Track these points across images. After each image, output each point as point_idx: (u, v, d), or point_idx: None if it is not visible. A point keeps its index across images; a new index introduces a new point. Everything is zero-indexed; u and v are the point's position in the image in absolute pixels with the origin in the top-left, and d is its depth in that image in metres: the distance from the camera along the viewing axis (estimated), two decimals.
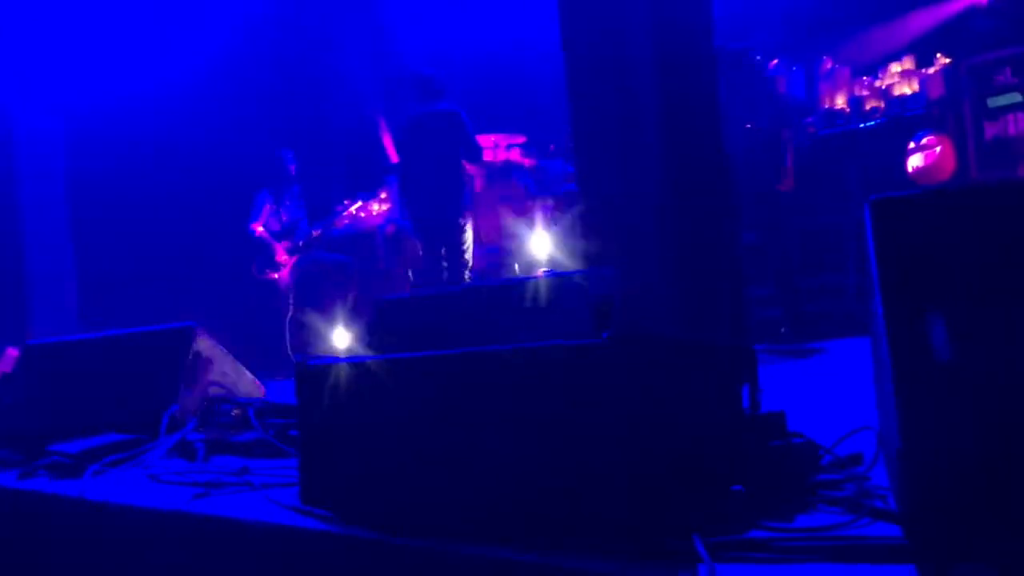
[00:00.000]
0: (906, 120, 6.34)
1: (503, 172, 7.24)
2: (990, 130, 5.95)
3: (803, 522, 1.35)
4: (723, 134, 3.40)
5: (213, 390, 2.90)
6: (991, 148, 5.95)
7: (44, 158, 7.71)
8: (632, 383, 1.34)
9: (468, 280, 6.37)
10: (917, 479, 1.15)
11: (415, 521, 1.49)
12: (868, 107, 6.69)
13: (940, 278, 1.21)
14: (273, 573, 1.66)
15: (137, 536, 1.93)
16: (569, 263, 5.19)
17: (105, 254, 7.81)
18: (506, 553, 1.32)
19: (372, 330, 2.70)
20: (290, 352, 6.80)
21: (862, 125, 6.57)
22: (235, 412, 2.68)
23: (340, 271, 7.49)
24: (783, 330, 5.38)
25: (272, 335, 6.90)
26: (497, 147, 7.44)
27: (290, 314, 6.99)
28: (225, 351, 3.09)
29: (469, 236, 6.42)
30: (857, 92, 6.93)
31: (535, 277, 2.57)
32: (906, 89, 6.65)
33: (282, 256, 7.02)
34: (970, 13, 6.92)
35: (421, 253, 6.60)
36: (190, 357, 2.91)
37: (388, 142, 8.50)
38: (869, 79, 6.99)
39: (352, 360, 1.71)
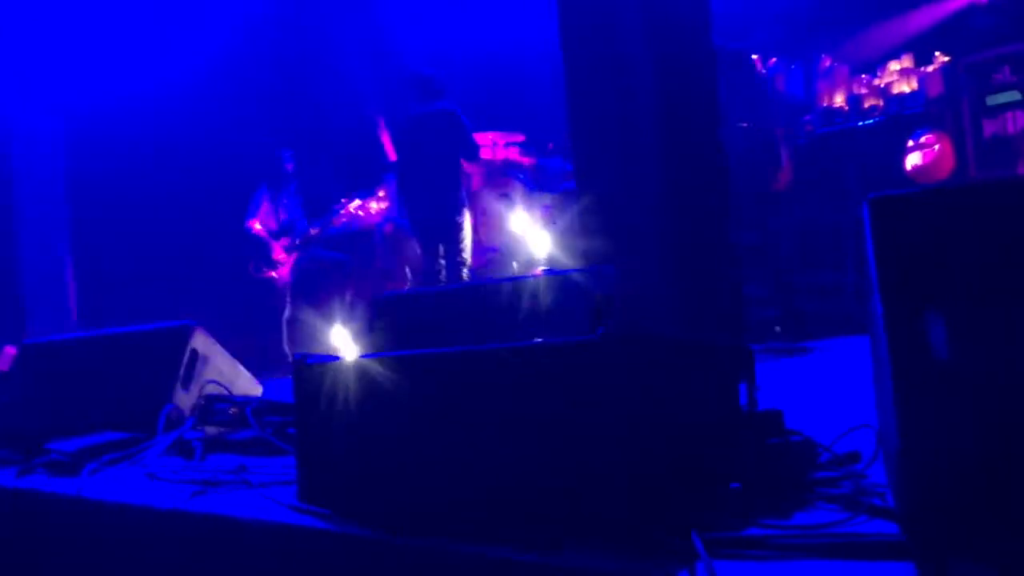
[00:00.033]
0: (905, 118, 6.35)
1: (502, 170, 7.24)
2: (989, 128, 5.95)
3: (801, 519, 1.35)
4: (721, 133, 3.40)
5: (210, 388, 2.89)
6: (990, 146, 5.95)
7: (41, 157, 7.71)
8: (630, 381, 1.34)
9: (466, 278, 6.37)
10: (916, 477, 1.15)
11: (413, 519, 1.49)
12: (867, 105, 6.69)
13: (939, 276, 1.21)
14: (271, 571, 1.66)
15: (134, 534, 1.93)
16: (567, 261, 5.19)
17: (103, 252, 7.82)
18: (503, 551, 1.32)
19: (370, 328, 2.70)
20: (288, 350, 6.79)
21: (861, 123, 6.57)
22: (232, 410, 2.68)
23: (338, 269, 7.49)
24: (778, 329, 5.38)
25: (270, 333, 6.90)
26: (496, 145, 7.44)
27: (288, 312, 6.99)
28: (222, 349, 3.08)
29: (468, 235, 6.42)
30: (856, 90, 6.93)
31: (533, 275, 2.57)
32: (905, 87, 6.65)
33: (279, 254, 7.02)
34: (969, 11, 6.92)
35: (419, 252, 6.60)
36: (187, 355, 2.91)
37: (387, 141, 8.50)
38: (868, 77, 6.98)
39: (350, 358, 1.70)
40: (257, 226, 7.03)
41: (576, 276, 2.39)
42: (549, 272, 2.78)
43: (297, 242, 7.06)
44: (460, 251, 6.38)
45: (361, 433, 1.63)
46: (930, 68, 6.58)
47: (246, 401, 2.71)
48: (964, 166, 5.98)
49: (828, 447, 1.68)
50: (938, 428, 1.13)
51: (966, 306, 1.18)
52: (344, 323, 6.78)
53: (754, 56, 6.83)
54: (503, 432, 1.44)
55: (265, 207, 7.08)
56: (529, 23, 7.98)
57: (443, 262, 6.41)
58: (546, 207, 6.79)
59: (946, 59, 6.50)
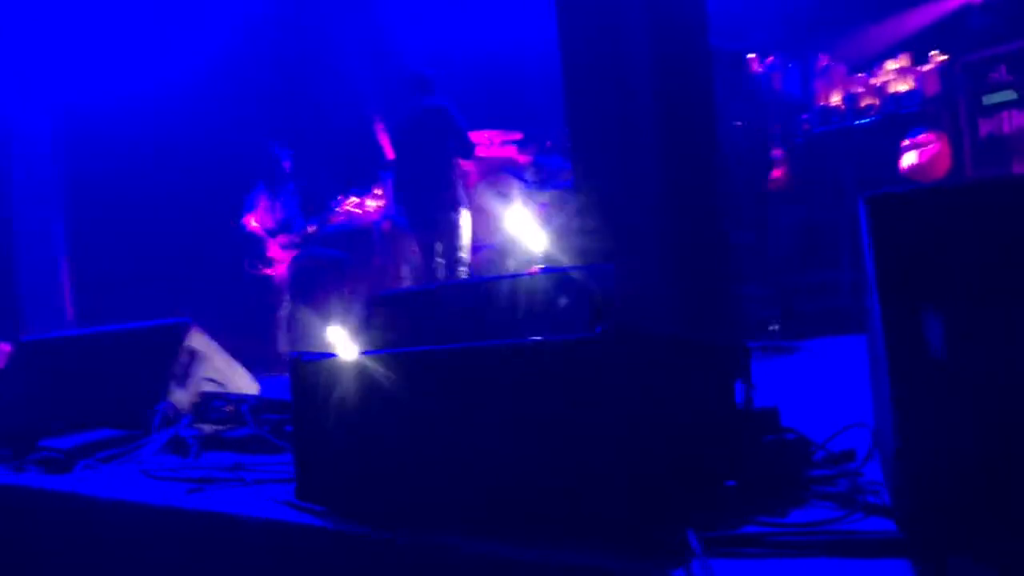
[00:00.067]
0: (901, 117, 6.35)
1: (499, 168, 7.23)
2: (985, 127, 5.96)
3: (796, 517, 1.35)
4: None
5: (207, 386, 2.89)
6: (986, 145, 5.96)
7: (38, 156, 7.70)
8: (626, 379, 1.34)
9: (464, 276, 6.37)
10: (913, 475, 1.15)
11: (409, 516, 1.49)
12: (863, 104, 6.69)
13: (936, 274, 1.21)
14: (267, 568, 1.66)
15: (129, 531, 1.93)
16: (565, 259, 5.18)
17: (99, 250, 7.80)
18: (500, 548, 1.31)
19: (367, 325, 2.70)
20: (284, 348, 6.78)
21: (857, 122, 6.58)
22: (229, 408, 2.68)
23: (335, 267, 7.48)
24: (773, 327, 5.38)
25: (267, 331, 6.89)
26: (493, 143, 7.43)
27: (285, 310, 6.98)
28: (219, 347, 3.08)
29: (465, 232, 6.41)
30: (852, 89, 6.93)
31: (531, 273, 2.57)
32: (901, 86, 6.65)
33: (275, 252, 7.00)
34: (966, 10, 6.92)
35: (417, 249, 6.59)
36: (183, 353, 2.90)
37: (384, 139, 8.50)
38: (864, 76, 6.99)
39: (347, 356, 1.70)
40: (253, 223, 7.01)
41: (574, 274, 2.39)
42: (546, 270, 2.77)
43: (294, 240, 7.05)
44: (457, 249, 6.37)
45: (358, 431, 1.63)
46: (927, 67, 6.58)
47: (242, 399, 2.71)
48: (960, 165, 5.99)
49: (823, 445, 1.68)
50: (935, 425, 1.13)
51: (963, 304, 1.18)
52: (341, 321, 6.77)
53: (751, 55, 6.84)
54: (499, 429, 1.43)
55: (262, 205, 7.06)
56: (526, 22, 7.98)
57: (440, 260, 6.41)
58: (543, 205, 6.79)
59: (943, 58, 6.51)
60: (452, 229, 6.34)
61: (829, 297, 6.15)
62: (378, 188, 7.91)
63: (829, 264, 6.22)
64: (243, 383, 3.14)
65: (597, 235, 3.23)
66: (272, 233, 7.02)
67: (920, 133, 6.03)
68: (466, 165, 6.72)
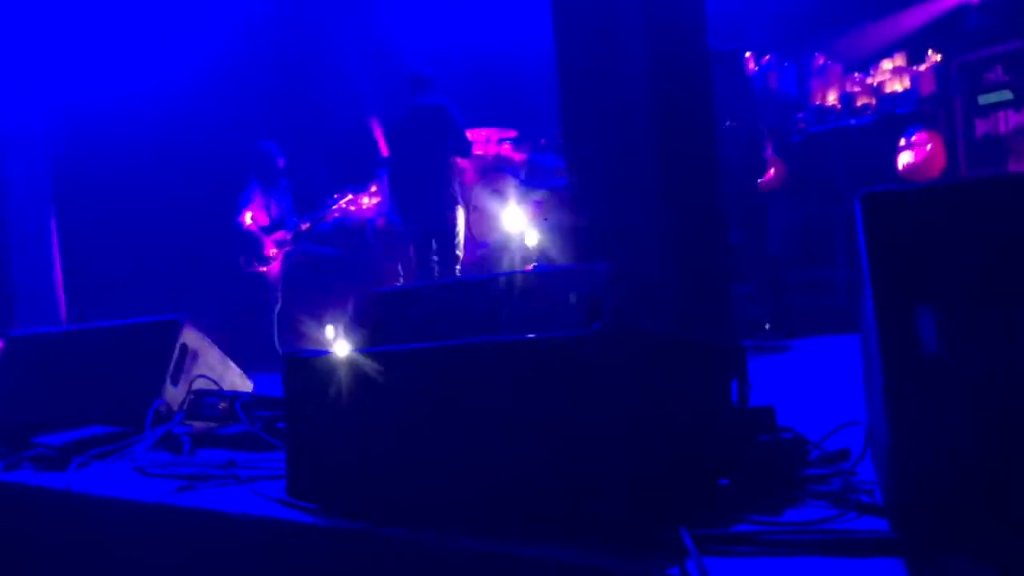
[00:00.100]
0: (897, 117, 6.37)
1: (494, 166, 7.23)
2: (980, 127, 5.97)
3: (791, 516, 1.35)
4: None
5: (200, 383, 2.88)
6: (981, 145, 5.97)
7: (33, 154, 7.67)
8: (621, 377, 1.33)
9: (459, 274, 6.37)
10: (906, 473, 1.15)
11: (402, 514, 1.48)
12: (859, 104, 6.71)
13: (930, 272, 1.21)
14: (259, 565, 1.65)
15: (122, 528, 1.92)
16: (559, 257, 5.19)
17: (94, 249, 7.79)
18: (493, 545, 1.31)
19: (361, 323, 2.69)
20: (278, 345, 6.78)
21: (853, 122, 6.59)
22: (222, 405, 2.67)
23: (330, 264, 7.47)
24: (766, 326, 5.39)
25: (260, 329, 6.88)
26: (489, 141, 7.43)
27: (279, 307, 6.97)
28: (212, 344, 3.07)
29: (460, 230, 6.41)
30: (848, 88, 6.95)
31: (525, 271, 2.57)
32: (897, 86, 6.67)
33: (270, 249, 6.99)
34: (962, 10, 6.94)
35: (412, 247, 6.59)
36: (177, 350, 2.89)
37: (380, 136, 8.49)
38: (860, 76, 7.00)
39: (340, 352, 1.70)
40: (248, 220, 7.00)
41: (567, 272, 2.39)
42: (541, 268, 2.77)
43: (288, 237, 7.04)
44: (452, 246, 6.37)
45: (351, 428, 1.63)
46: (922, 67, 6.60)
47: (236, 396, 2.70)
48: (955, 165, 6.00)
49: (818, 444, 1.68)
50: (928, 423, 1.13)
51: (956, 303, 1.18)
52: (335, 318, 6.77)
53: (747, 54, 6.84)
54: (493, 426, 1.43)
55: (257, 202, 7.05)
56: (520, 20, 7.99)
57: (435, 257, 6.40)
58: (538, 203, 6.79)
59: (938, 58, 6.53)
60: (447, 226, 6.33)
61: (824, 296, 6.17)
62: (373, 185, 7.91)
63: (825, 263, 6.23)
64: (237, 380, 3.14)
65: (595, 234, 3.23)
66: (267, 230, 7.01)
67: (916, 133, 6.05)
68: (462, 163, 6.72)
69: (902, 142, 6.08)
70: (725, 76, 5.43)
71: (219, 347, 3.11)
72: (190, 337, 2.96)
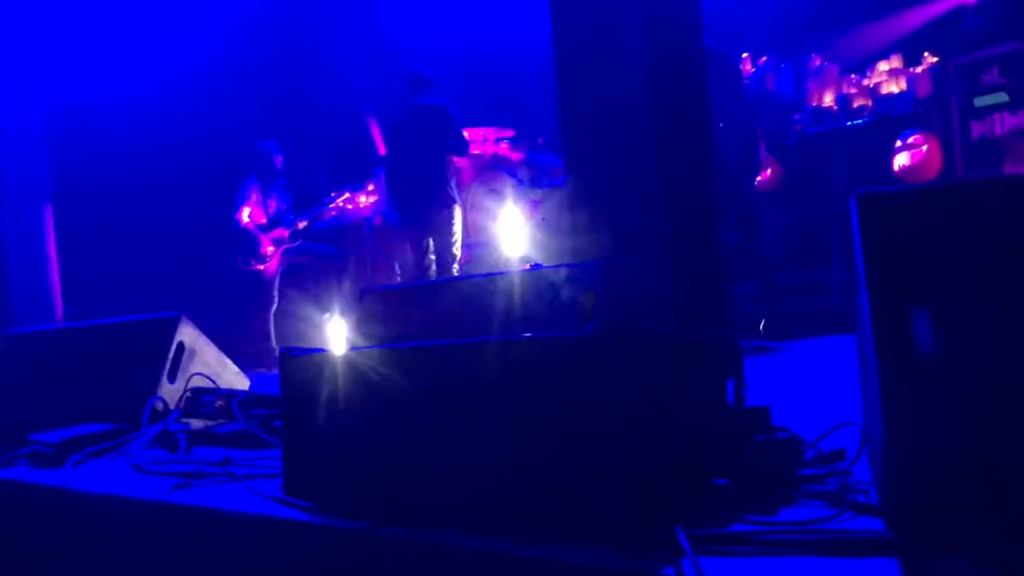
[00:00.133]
0: (893, 119, 6.38)
1: (491, 166, 7.23)
2: (976, 129, 5.99)
3: (786, 516, 1.36)
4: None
5: (197, 381, 2.88)
6: (977, 148, 5.98)
7: (30, 153, 7.65)
8: (617, 376, 1.34)
9: (456, 273, 6.36)
10: (900, 474, 1.15)
11: (398, 513, 1.48)
12: (856, 105, 6.72)
13: (926, 273, 1.22)
14: (255, 563, 1.65)
15: (118, 526, 1.92)
16: (556, 257, 5.18)
17: (91, 249, 7.78)
18: (488, 543, 1.31)
19: (358, 321, 2.69)
20: (275, 344, 6.77)
21: (849, 123, 6.60)
22: (219, 403, 2.67)
23: (327, 262, 7.47)
24: (762, 326, 5.40)
25: (258, 326, 6.88)
26: (486, 141, 7.43)
27: (276, 305, 6.97)
28: (209, 342, 3.07)
29: (457, 229, 6.41)
30: (845, 90, 6.96)
31: (522, 271, 2.56)
32: (893, 88, 6.68)
33: (267, 247, 6.99)
34: (958, 12, 6.95)
35: (408, 246, 6.59)
36: (174, 347, 2.89)
37: (377, 135, 8.49)
38: (857, 77, 7.01)
39: (337, 351, 1.70)
40: (245, 218, 6.99)
41: (565, 272, 2.39)
42: (537, 267, 2.77)
43: (285, 235, 7.03)
44: (449, 245, 6.37)
45: (347, 426, 1.63)
46: (919, 69, 6.61)
47: (232, 394, 2.70)
48: (951, 167, 6.01)
49: (814, 444, 1.68)
50: (923, 424, 1.13)
51: (952, 302, 1.19)
52: (332, 316, 6.76)
53: (744, 55, 6.85)
54: (488, 425, 1.43)
55: (254, 199, 7.04)
56: (518, 20, 7.99)
57: (432, 256, 6.40)
58: (535, 202, 6.79)
59: (935, 60, 6.54)
60: (444, 225, 6.33)
61: (821, 297, 6.18)
62: (370, 184, 7.90)
63: (821, 264, 6.24)
64: (233, 378, 3.13)
65: (594, 234, 3.23)
66: (264, 229, 7.00)
67: (912, 135, 6.06)
68: (460, 162, 6.71)
69: (898, 144, 6.09)
70: (718, 76, 5.44)
71: (216, 345, 3.11)
72: (187, 335, 2.96)
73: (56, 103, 7.82)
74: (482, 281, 2.59)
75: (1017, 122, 5.82)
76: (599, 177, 3.26)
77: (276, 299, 6.98)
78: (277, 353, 2.63)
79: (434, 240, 6.37)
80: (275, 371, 1.79)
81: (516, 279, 2.45)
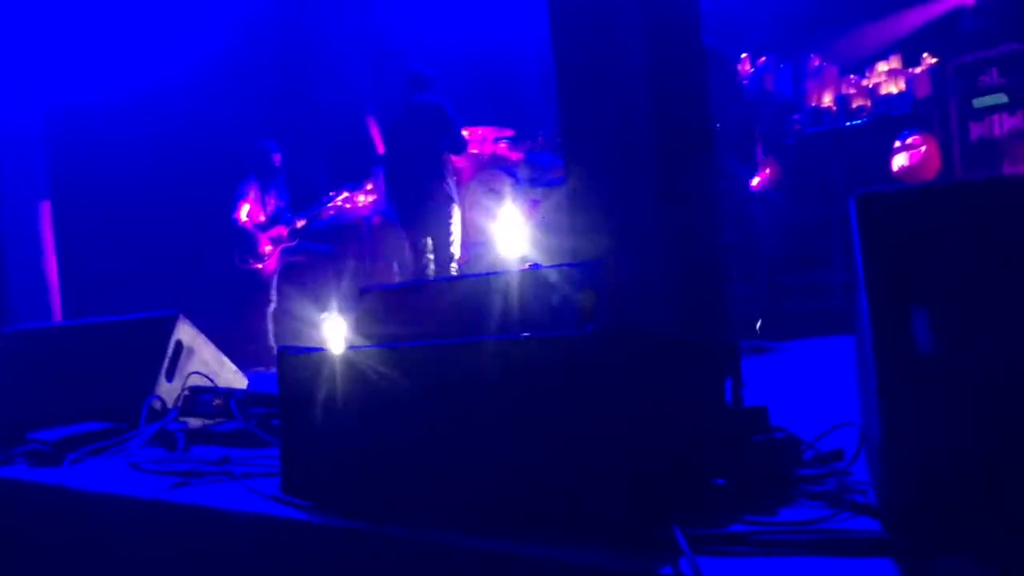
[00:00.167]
0: (892, 119, 6.38)
1: (490, 165, 7.23)
2: (975, 130, 5.99)
3: (785, 516, 1.35)
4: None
5: (195, 379, 2.87)
6: (976, 148, 5.99)
7: (29, 153, 7.65)
8: (616, 376, 1.33)
9: (455, 272, 6.36)
10: (898, 474, 1.15)
11: (396, 512, 1.48)
12: (854, 106, 6.72)
13: (925, 273, 1.21)
14: (253, 562, 1.65)
15: (116, 525, 1.92)
16: (555, 257, 5.18)
17: (91, 245, 7.78)
18: (487, 543, 1.31)
19: (356, 320, 2.69)
20: (273, 342, 6.77)
21: (848, 124, 6.60)
22: (217, 402, 2.66)
23: (325, 261, 7.47)
24: (760, 327, 5.40)
25: (256, 325, 6.88)
26: (485, 140, 7.43)
27: (274, 304, 6.97)
28: (207, 340, 3.06)
29: (456, 228, 6.41)
30: (844, 90, 6.96)
31: (521, 270, 2.56)
32: (892, 88, 6.68)
33: (265, 246, 6.98)
34: (957, 13, 6.95)
35: (407, 245, 6.59)
36: (172, 346, 2.89)
37: (376, 134, 8.49)
38: (856, 78, 7.02)
39: (335, 349, 1.69)
40: (243, 217, 6.99)
41: (564, 271, 2.39)
42: (536, 267, 2.77)
43: (284, 234, 7.03)
44: (447, 244, 6.37)
45: (346, 425, 1.62)
46: (918, 69, 6.61)
47: (230, 392, 2.69)
48: (950, 168, 6.02)
49: (812, 444, 1.68)
50: (921, 424, 1.13)
51: (950, 303, 1.19)
52: (330, 315, 6.77)
53: (743, 55, 6.85)
54: (487, 424, 1.43)
55: (252, 197, 7.04)
56: (517, 19, 7.99)
57: (430, 256, 6.40)
58: (535, 202, 6.79)
59: (934, 61, 6.54)
60: (443, 225, 6.33)
61: (820, 297, 6.18)
62: (369, 183, 7.90)
63: (821, 265, 6.24)
64: (231, 376, 3.13)
65: (594, 233, 3.22)
66: (262, 227, 7.00)
67: (910, 135, 6.06)
68: (458, 161, 6.71)
69: (897, 144, 6.10)
70: (717, 76, 5.43)
71: (214, 343, 3.11)
72: (185, 333, 2.95)
73: (56, 102, 7.82)
74: (481, 280, 2.58)
75: (1016, 123, 5.83)
76: (599, 177, 3.26)
77: (274, 298, 6.99)
78: (275, 352, 2.63)
79: (433, 239, 6.37)
80: (273, 370, 1.79)
81: (515, 279, 2.44)
